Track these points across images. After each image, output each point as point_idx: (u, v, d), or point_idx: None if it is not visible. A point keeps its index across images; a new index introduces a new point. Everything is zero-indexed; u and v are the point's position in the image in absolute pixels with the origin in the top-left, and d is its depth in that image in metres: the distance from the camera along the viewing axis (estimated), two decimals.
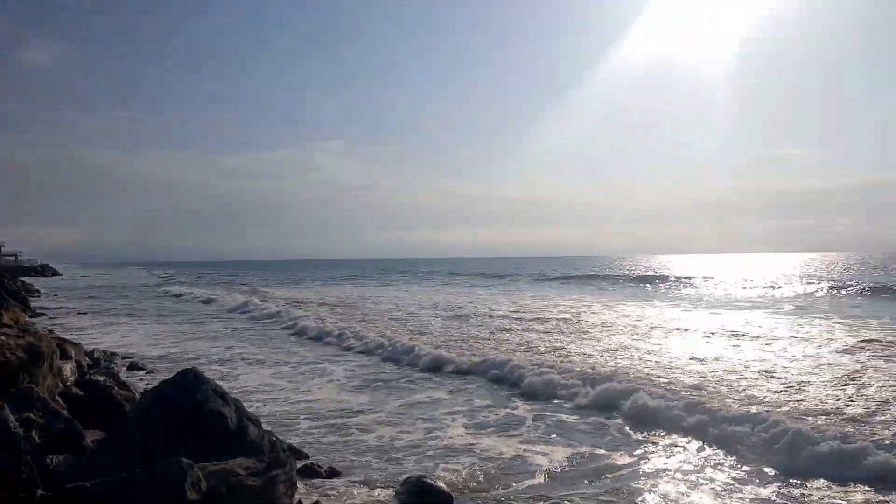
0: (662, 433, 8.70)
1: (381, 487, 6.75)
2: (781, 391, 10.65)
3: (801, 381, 11.35)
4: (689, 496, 6.49)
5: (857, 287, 38.09)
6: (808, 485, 6.70)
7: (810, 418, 8.95)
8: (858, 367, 12.66)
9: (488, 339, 17.94)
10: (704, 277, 54.00)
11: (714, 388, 10.95)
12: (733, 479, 6.97)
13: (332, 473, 7.15)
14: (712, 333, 18.31)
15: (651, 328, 19.82)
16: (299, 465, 6.98)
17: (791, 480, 6.84)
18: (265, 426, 7.38)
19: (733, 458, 7.59)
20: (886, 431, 8.28)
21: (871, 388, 10.71)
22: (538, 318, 23.25)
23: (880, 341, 15.85)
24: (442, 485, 6.58)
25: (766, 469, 7.19)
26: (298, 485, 6.53)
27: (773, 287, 42.26)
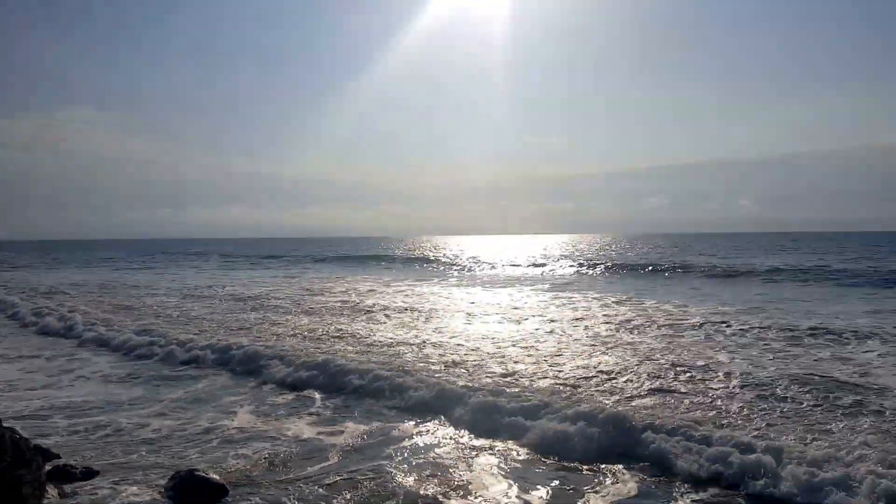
0: (430, 411, 8.84)
1: (149, 485, 6.22)
2: (539, 364, 11.54)
3: (557, 354, 12.42)
4: (450, 468, 6.83)
5: (608, 265, 42.95)
6: (558, 460, 7.09)
7: (565, 388, 9.92)
8: (611, 339, 14.23)
9: (266, 324, 17.37)
10: (478, 258, 57.28)
11: (477, 363, 11.59)
12: (488, 452, 7.33)
13: (90, 474, 6.45)
14: (483, 312, 19.49)
15: (429, 308, 20.55)
16: (50, 465, 6.23)
17: (540, 453, 7.24)
18: (14, 425, 6.45)
19: (489, 432, 7.91)
20: (640, 403, 9.37)
21: (615, 357, 12.09)
22: (319, 301, 23.01)
23: (625, 315, 17.96)
24: (214, 476, 6.22)
25: (518, 442, 7.58)
26: (52, 489, 5.82)
27: (537, 266, 46.10)
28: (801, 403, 8.69)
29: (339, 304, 21.59)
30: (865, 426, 7.65)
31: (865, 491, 5.52)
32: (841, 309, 19.03)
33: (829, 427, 7.67)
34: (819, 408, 8.48)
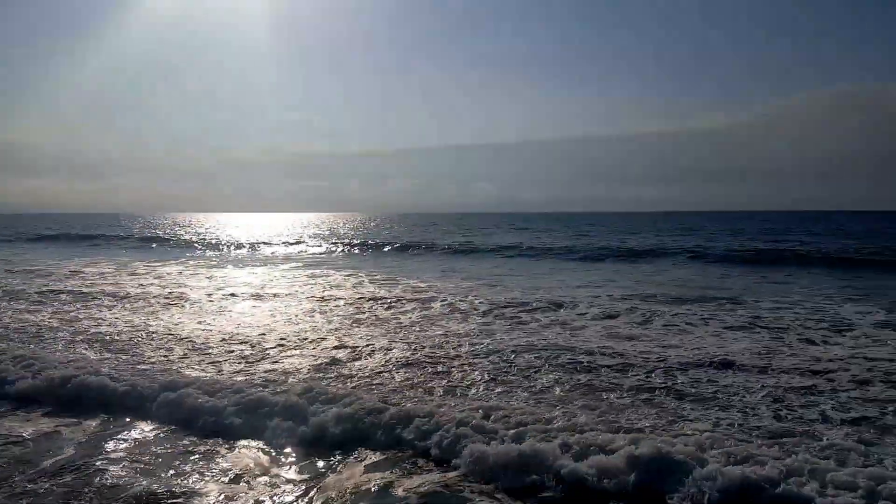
0: (165, 405, 7.91)
1: None
2: (285, 347, 11.38)
3: (306, 335, 12.34)
4: (191, 462, 6.64)
5: (360, 243, 43.73)
6: (300, 447, 6.90)
7: (312, 371, 9.96)
8: (361, 317, 14.52)
9: None
10: (228, 236, 54.69)
11: (220, 350, 11.12)
12: (229, 445, 6.99)
13: None
14: (232, 293, 18.67)
15: (170, 291, 19.13)
16: None
17: (277, 444, 6.97)
18: None
19: (228, 426, 7.38)
20: (384, 381, 9.67)
21: (364, 336, 12.42)
22: (34, 286, 20.16)
23: (375, 292, 18.46)
24: None
25: (262, 433, 7.19)
26: None
27: (291, 244, 45.39)
28: (527, 367, 9.67)
29: (56, 290, 18.89)
30: (580, 383, 8.77)
31: (573, 444, 6.27)
32: (562, 280, 21.55)
33: (549, 386, 8.66)
34: (540, 370, 9.50)
